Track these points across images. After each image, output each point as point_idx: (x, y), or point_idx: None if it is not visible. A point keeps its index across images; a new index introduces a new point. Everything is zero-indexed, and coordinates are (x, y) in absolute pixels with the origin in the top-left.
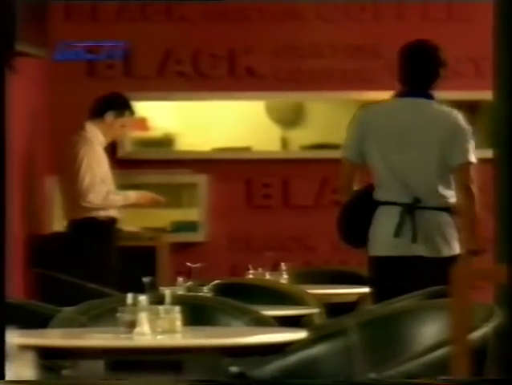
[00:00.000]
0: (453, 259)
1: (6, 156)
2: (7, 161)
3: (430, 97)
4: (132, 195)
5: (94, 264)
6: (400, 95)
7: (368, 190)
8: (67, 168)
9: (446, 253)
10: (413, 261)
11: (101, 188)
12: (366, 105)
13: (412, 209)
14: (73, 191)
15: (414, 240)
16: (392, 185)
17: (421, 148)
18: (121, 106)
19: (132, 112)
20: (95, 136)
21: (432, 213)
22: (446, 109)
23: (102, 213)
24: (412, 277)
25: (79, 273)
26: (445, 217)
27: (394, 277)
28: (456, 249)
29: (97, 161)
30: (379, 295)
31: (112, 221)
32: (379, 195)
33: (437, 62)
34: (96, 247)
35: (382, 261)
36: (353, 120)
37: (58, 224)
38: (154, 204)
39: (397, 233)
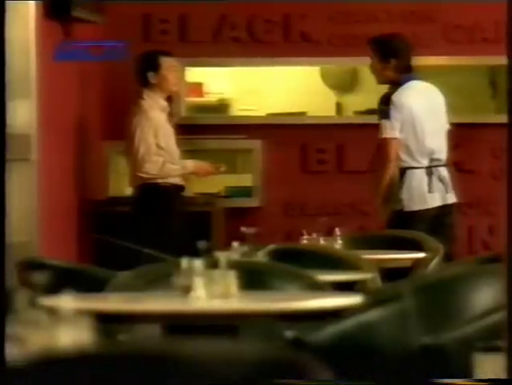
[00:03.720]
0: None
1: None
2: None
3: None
4: (190, 164)
5: (152, 230)
6: (409, 79)
7: None
8: (126, 138)
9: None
10: (446, 208)
11: (157, 157)
12: (397, 91)
13: (434, 168)
14: (131, 160)
15: (447, 191)
16: (420, 152)
17: (438, 119)
18: (153, 59)
19: (165, 54)
20: (154, 102)
21: (445, 169)
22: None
23: (160, 181)
24: (446, 223)
25: (136, 238)
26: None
27: (430, 225)
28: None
29: (153, 129)
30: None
31: (176, 188)
32: (408, 162)
33: None
34: (156, 214)
35: (421, 214)
36: (392, 106)
37: (114, 189)
38: (211, 175)
39: (430, 188)
